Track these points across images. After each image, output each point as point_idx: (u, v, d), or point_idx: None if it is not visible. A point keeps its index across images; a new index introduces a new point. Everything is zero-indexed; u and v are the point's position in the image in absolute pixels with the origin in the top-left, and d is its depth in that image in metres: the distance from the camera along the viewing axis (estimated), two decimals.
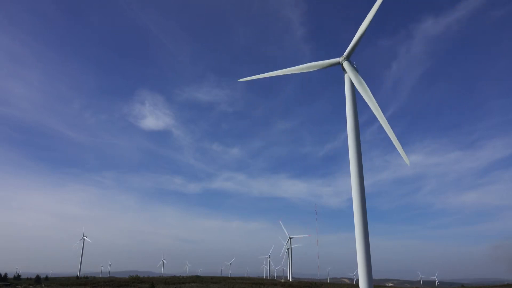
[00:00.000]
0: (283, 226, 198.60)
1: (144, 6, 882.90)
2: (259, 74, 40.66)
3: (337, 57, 37.59)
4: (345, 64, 36.66)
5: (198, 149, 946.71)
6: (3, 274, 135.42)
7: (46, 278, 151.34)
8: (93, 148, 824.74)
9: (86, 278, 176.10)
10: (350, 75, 36.01)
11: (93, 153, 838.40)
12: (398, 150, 32.99)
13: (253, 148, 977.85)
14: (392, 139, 33.06)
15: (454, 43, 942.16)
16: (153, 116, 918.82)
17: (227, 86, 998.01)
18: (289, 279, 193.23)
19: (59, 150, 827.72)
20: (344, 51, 37.18)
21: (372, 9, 35.91)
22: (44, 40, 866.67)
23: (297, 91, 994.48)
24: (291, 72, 39.46)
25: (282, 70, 40.05)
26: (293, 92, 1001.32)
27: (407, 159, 32.49)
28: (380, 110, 34.14)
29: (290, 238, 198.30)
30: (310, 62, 39.05)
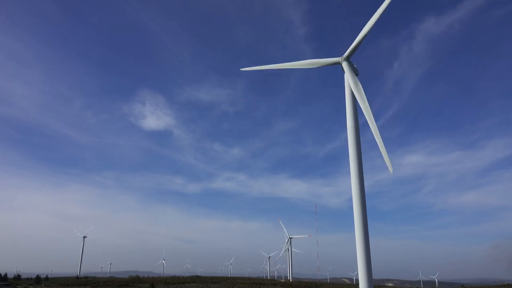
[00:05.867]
0: (282, 226, 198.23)
1: (145, 5, 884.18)
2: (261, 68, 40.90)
3: (338, 57, 37.59)
4: (344, 65, 36.72)
5: (198, 149, 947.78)
6: (3, 274, 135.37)
7: (46, 278, 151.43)
8: (93, 148, 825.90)
9: (86, 278, 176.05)
10: (347, 76, 36.01)
11: (94, 153, 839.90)
12: (384, 158, 32.45)
13: (253, 148, 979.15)
14: (380, 146, 32.56)
15: (455, 43, 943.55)
16: (153, 116, 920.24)
17: (228, 85, 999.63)
18: (289, 279, 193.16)
19: (60, 150, 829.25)
20: (345, 51, 37.11)
21: (377, 11, 35.06)
22: (45, 40, 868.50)
23: (297, 92, 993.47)
24: (291, 67, 39.47)
25: (283, 64, 40.05)
26: (294, 92, 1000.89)
27: (391, 167, 32.17)
28: (371, 115, 33.69)
29: (290, 238, 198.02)
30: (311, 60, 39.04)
